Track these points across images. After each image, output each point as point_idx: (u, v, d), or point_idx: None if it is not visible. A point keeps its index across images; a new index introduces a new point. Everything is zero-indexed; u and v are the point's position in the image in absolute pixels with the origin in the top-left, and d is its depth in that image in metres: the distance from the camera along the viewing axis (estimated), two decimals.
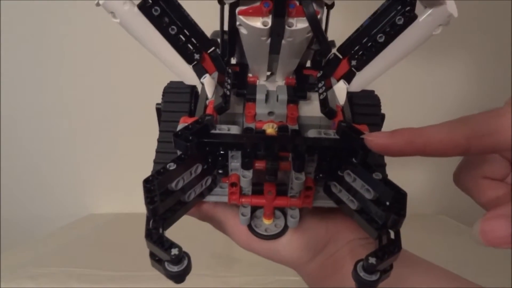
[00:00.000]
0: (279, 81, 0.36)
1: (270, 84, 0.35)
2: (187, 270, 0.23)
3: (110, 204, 0.98)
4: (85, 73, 0.89)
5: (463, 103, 0.91)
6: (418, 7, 0.30)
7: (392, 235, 0.25)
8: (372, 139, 0.24)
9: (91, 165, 0.97)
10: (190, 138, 0.25)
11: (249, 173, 0.28)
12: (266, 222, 0.32)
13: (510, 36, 0.83)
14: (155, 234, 0.24)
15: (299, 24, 0.28)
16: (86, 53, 0.87)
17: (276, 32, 0.28)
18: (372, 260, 0.22)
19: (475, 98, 0.90)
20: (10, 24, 0.84)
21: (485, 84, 0.90)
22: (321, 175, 0.29)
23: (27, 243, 0.83)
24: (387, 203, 0.25)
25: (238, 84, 0.34)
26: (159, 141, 0.33)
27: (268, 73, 0.36)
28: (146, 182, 0.24)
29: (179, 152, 0.27)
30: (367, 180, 0.26)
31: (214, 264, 0.65)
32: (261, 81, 0.36)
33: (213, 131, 0.28)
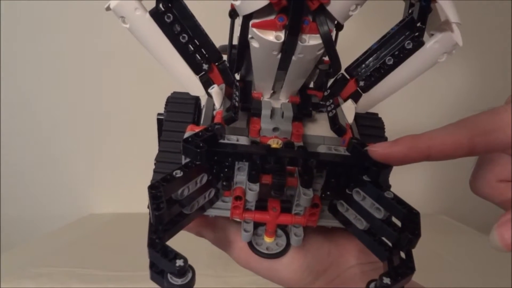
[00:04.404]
0: (283, 99, 0.36)
1: (274, 101, 0.35)
2: (191, 284, 0.21)
3: (110, 204, 0.98)
4: (88, 74, 0.89)
5: (463, 105, 0.92)
6: (425, 36, 0.31)
7: (403, 256, 0.24)
8: (375, 149, 0.24)
9: (92, 165, 0.97)
10: (201, 145, 0.24)
11: (256, 187, 0.27)
12: (268, 240, 0.31)
13: (510, 36, 0.86)
14: (159, 244, 0.22)
15: (312, 40, 0.28)
16: (91, 56, 0.87)
17: (286, 48, 0.28)
18: (386, 280, 0.22)
19: (475, 100, 0.92)
20: (12, 24, 0.84)
21: (485, 86, 0.92)
22: (328, 193, 0.28)
23: (27, 243, 0.82)
24: (396, 224, 0.25)
25: (243, 99, 0.33)
26: (160, 150, 0.32)
27: (271, 91, 0.36)
28: (152, 188, 0.23)
29: (183, 161, 0.26)
30: (378, 199, 0.25)
31: (214, 264, 0.64)
32: (265, 98, 0.35)
33: (221, 141, 0.27)
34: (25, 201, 0.99)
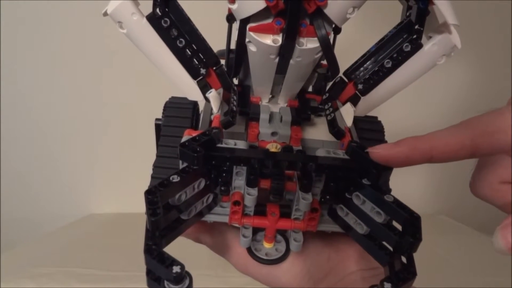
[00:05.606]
0: (281, 103, 0.35)
1: (272, 105, 0.35)
2: None
3: (110, 204, 0.97)
4: (88, 75, 0.89)
5: (463, 107, 0.91)
6: (423, 39, 0.31)
7: (404, 261, 0.24)
8: (377, 151, 0.24)
9: (92, 165, 0.97)
10: (198, 149, 0.24)
11: (254, 191, 0.27)
12: (267, 246, 0.31)
13: (510, 36, 0.86)
14: (155, 250, 0.22)
15: (309, 44, 0.28)
16: (91, 58, 0.87)
17: (283, 52, 0.28)
18: (387, 285, 0.21)
19: (475, 102, 0.91)
20: (12, 25, 0.84)
21: (485, 87, 0.92)
22: (327, 197, 0.28)
23: (27, 243, 0.82)
24: (397, 228, 0.24)
25: (241, 104, 0.33)
26: (158, 155, 0.32)
27: (270, 96, 0.36)
28: (149, 193, 0.23)
29: (181, 166, 0.26)
30: (378, 202, 0.25)
31: (214, 264, 0.64)
32: (264, 102, 0.35)
33: (219, 145, 0.27)
34: (25, 201, 0.99)
